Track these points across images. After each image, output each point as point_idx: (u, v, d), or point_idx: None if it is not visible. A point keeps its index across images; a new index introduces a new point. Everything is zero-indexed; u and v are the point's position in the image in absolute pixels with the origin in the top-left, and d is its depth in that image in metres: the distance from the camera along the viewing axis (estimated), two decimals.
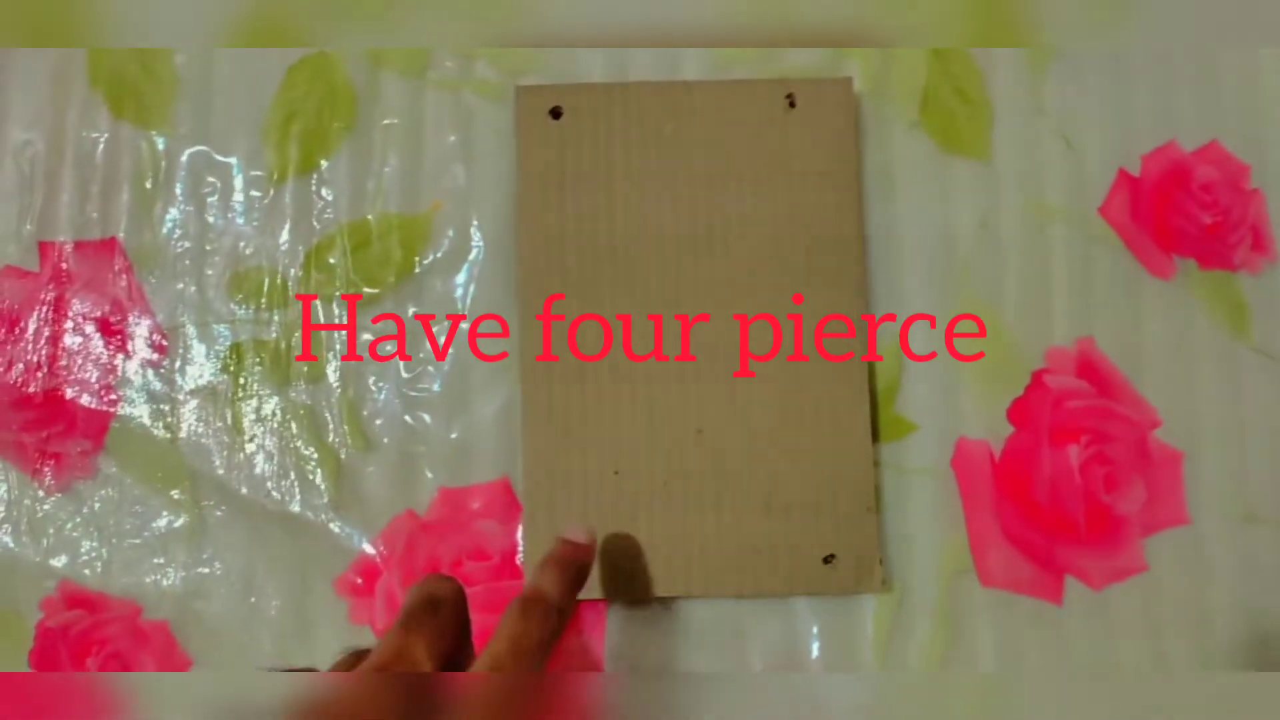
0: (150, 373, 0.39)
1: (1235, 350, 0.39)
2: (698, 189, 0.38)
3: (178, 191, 0.40)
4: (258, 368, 0.38)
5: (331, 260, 0.39)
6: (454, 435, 0.38)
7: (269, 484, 0.38)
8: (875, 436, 0.38)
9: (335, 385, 0.38)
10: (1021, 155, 0.40)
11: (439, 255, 0.39)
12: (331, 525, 0.38)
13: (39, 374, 0.39)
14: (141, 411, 0.38)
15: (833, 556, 0.37)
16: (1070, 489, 0.38)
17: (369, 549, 0.37)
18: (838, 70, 0.40)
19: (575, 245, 0.38)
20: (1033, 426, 0.39)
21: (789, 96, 0.39)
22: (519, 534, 0.37)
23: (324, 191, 0.40)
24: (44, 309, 0.39)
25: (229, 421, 0.38)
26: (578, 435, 0.37)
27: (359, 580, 0.37)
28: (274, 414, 0.38)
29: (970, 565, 0.38)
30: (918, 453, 0.38)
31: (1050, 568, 0.38)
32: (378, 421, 0.38)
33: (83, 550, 0.38)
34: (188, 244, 0.39)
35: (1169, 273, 0.40)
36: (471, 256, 0.39)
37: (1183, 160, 0.40)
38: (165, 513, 0.38)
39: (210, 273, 0.39)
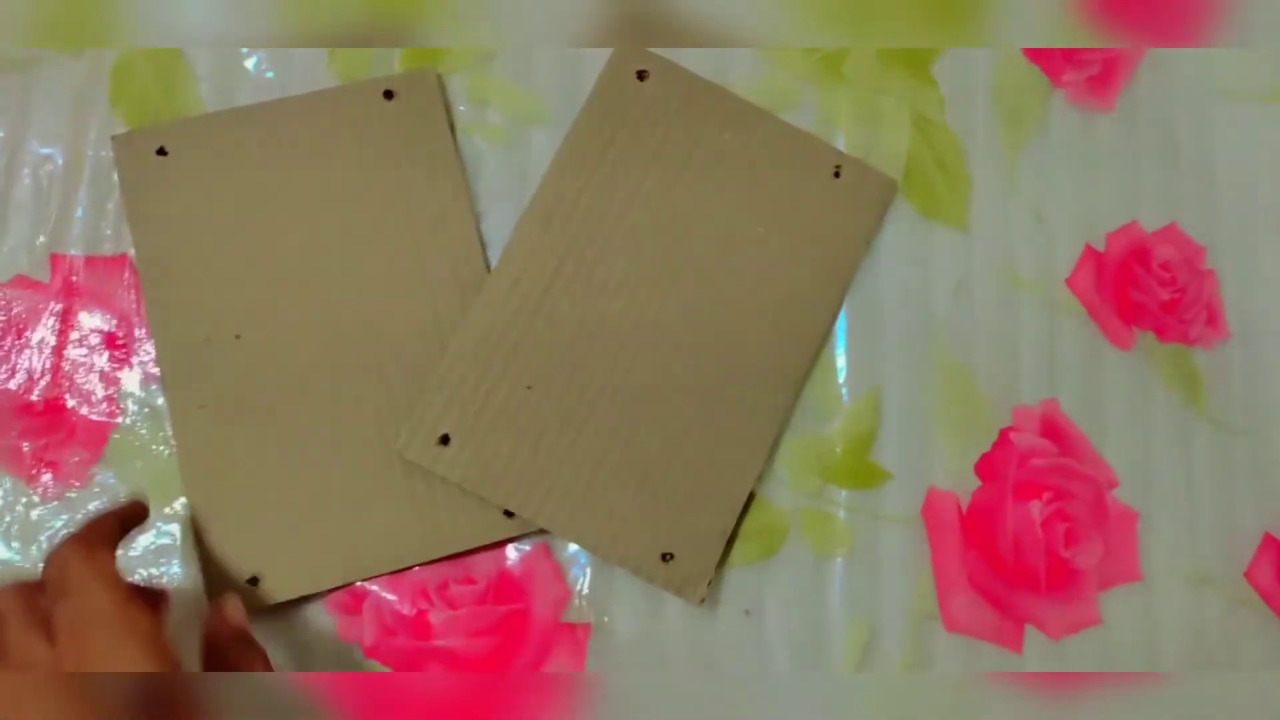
0: (152, 387, 0.40)
1: (1189, 418, 0.42)
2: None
3: None
4: None
5: None
6: None
7: None
8: (770, 459, 0.40)
9: None
10: (996, 227, 0.43)
11: None
12: None
13: (41, 383, 0.40)
14: (141, 425, 0.39)
15: (671, 555, 0.38)
16: (1032, 542, 0.40)
17: None
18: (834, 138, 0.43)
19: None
20: (999, 481, 0.41)
21: (836, 168, 0.42)
22: (508, 555, 0.39)
23: None
24: (51, 320, 0.40)
25: None
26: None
27: (348, 597, 0.38)
28: None
29: (936, 610, 0.40)
30: (890, 500, 0.40)
31: (1011, 616, 0.40)
32: None
33: None
34: None
35: (1129, 343, 0.42)
36: None
37: (1144, 240, 0.43)
38: (159, 525, 0.38)
39: None
